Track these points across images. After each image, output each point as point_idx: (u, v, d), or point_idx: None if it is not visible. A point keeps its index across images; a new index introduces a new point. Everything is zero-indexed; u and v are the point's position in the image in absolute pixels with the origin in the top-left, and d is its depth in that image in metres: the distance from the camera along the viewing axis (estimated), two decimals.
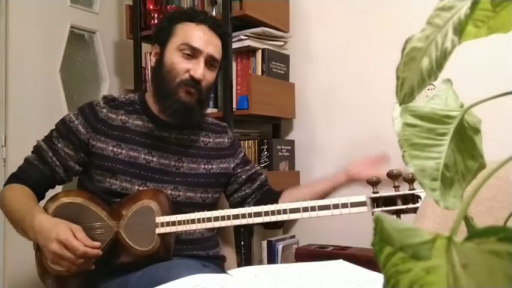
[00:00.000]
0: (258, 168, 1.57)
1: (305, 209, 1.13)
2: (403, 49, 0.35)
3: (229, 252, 1.60)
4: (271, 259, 2.13)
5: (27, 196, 1.32)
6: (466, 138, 0.35)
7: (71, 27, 2.38)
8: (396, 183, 1.07)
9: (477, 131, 0.36)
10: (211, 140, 1.49)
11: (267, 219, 1.16)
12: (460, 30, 0.32)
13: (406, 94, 0.35)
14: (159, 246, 1.23)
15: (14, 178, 1.37)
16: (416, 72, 0.34)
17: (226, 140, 1.52)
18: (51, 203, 1.28)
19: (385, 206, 1.08)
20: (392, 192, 1.07)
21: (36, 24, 2.20)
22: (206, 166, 1.44)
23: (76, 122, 1.37)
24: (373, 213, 1.08)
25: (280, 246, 2.16)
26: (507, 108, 1.55)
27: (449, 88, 0.39)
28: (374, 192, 1.08)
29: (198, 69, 1.34)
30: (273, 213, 1.16)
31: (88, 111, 1.39)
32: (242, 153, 1.55)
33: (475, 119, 0.36)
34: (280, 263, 2.12)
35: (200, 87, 1.36)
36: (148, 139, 1.39)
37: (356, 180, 1.35)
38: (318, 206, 1.11)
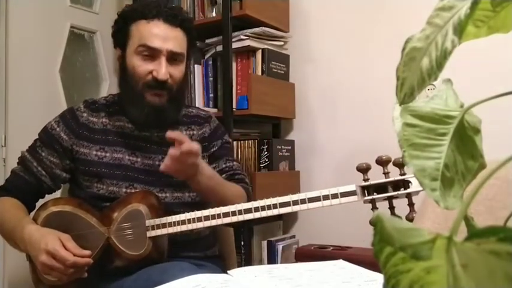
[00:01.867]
0: (224, 166, 1.42)
1: (295, 202, 1.11)
2: (403, 49, 0.36)
3: (229, 252, 1.60)
4: (271, 259, 2.13)
5: (16, 208, 1.31)
6: (466, 138, 0.35)
7: (71, 27, 2.38)
8: (386, 170, 1.05)
9: (477, 131, 0.36)
10: (195, 132, 1.44)
11: (257, 215, 1.14)
12: (460, 30, 0.32)
13: (406, 94, 0.35)
14: (151, 250, 1.21)
15: (1, 191, 1.36)
16: (416, 72, 0.34)
17: (207, 129, 1.46)
18: (40, 212, 1.27)
19: (376, 194, 1.06)
20: (382, 179, 1.06)
21: (36, 24, 2.20)
22: None
23: (58, 129, 1.36)
24: (364, 201, 1.06)
25: (280, 246, 2.16)
26: (507, 108, 1.55)
27: (449, 88, 0.39)
28: (364, 180, 1.07)
29: (161, 70, 1.28)
30: (263, 208, 1.13)
31: (69, 117, 1.37)
32: (216, 147, 1.44)
33: (475, 119, 0.36)
34: (280, 263, 2.12)
35: (168, 85, 1.31)
36: (131, 140, 1.36)
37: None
38: (308, 199, 1.10)
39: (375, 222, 0.27)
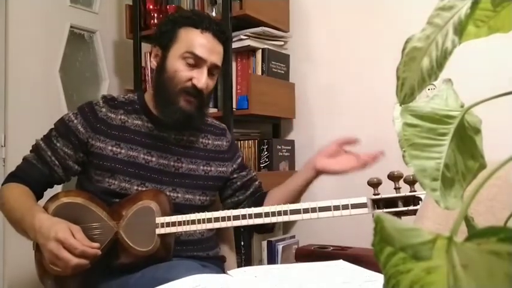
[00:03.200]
0: (253, 174, 1.56)
1: (305, 211, 1.12)
2: (404, 49, 0.35)
3: (229, 252, 1.60)
4: (271, 259, 2.13)
5: (26, 195, 1.31)
6: (466, 138, 0.35)
7: (71, 27, 2.38)
8: (397, 185, 1.06)
9: (477, 131, 0.36)
10: (210, 141, 1.48)
11: (267, 220, 1.16)
12: (460, 30, 0.31)
13: (406, 94, 0.35)
14: (159, 247, 1.22)
15: (12, 177, 1.37)
16: (416, 72, 0.34)
17: (224, 143, 1.52)
18: (51, 202, 1.28)
19: (386, 208, 1.07)
20: (393, 194, 1.07)
21: (36, 24, 2.20)
22: (205, 168, 1.44)
23: (75, 121, 1.37)
24: (373, 215, 1.07)
25: (280, 246, 2.16)
26: (507, 108, 1.55)
27: (449, 88, 0.39)
28: (375, 194, 1.08)
29: (202, 79, 1.33)
30: (273, 214, 1.15)
31: (87, 110, 1.38)
32: (240, 158, 1.54)
33: (475, 119, 0.36)
34: (280, 263, 2.12)
35: (202, 95, 1.36)
36: (148, 139, 1.38)
37: (326, 173, 1.36)
38: (319, 208, 1.11)
39: (375, 223, 0.27)
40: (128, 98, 1.44)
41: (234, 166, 1.51)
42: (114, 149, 1.34)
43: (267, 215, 1.16)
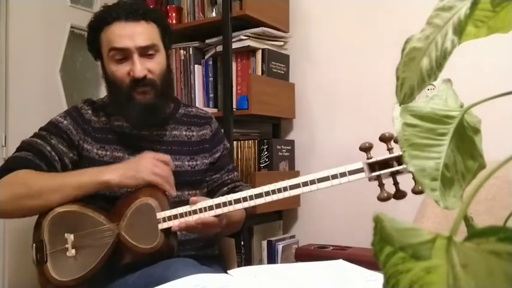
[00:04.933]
0: (227, 177, 1.48)
1: (305, 184, 1.12)
2: (403, 49, 0.36)
3: (229, 252, 1.60)
4: (271, 259, 2.13)
5: (44, 173, 1.25)
6: (466, 138, 0.35)
7: (71, 27, 2.38)
8: (389, 146, 1.07)
9: (477, 131, 0.36)
10: (194, 133, 1.46)
11: (268, 199, 1.14)
12: (459, 31, 0.32)
13: (406, 94, 0.35)
14: (163, 242, 1.20)
15: (5, 171, 1.26)
16: (416, 72, 0.34)
17: (208, 131, 1.48)
18: (45, 215, 1.23)
19: (382, 170, 1.07)
20: (387, 155, 1.07)
21: (36, 24, 2.20)
22: (190, 163, 1.42)
23: (65, 122, 1.36)
24: (370, 178, 1.07)
25: (280, 246, 2.16)
26: (507, 108, 1.55)
27: (449, 88, 0.39)
28: (368, 158, 1.09)
29: (136, 68, 1.29)
30: (273, 192, 1.14)
31: (75, 114, 1.38)
32: (218, 154, 1.48)
33: (475, 119, 0.36)
34: (280, 263, 2.12)
35: (149, 81, 1.32)
36: (130, 139, 1.37)
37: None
38: (317, 179, 1.11)
39: (374, 223, 0.27)
40: (105, 101, 1.44)
41: (210, 160, 1.46)
42: (100, 151, 1.34)
43: (267, 193, 1.15)
